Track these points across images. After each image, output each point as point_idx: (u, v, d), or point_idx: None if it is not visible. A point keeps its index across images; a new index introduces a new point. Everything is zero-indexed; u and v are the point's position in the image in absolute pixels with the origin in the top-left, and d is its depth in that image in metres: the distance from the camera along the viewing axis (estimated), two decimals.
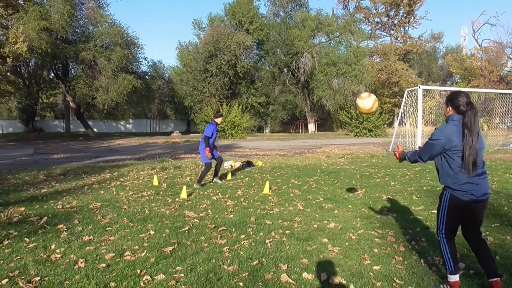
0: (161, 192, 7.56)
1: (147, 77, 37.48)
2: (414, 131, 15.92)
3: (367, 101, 4.93)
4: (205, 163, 8.43)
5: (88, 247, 4.30)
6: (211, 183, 8.57)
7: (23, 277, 3.52)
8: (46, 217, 5.47)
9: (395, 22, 51.15)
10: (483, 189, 3.17)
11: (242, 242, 4.47)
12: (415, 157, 3.45)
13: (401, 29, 51.54)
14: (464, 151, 3.09)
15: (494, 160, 12.55)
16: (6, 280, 3.44)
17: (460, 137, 3.12)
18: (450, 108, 3.31)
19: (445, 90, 23.77)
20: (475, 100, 23.11)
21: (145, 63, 53.74)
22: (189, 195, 7.17)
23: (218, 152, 8.89)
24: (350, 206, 6.30)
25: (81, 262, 3.82)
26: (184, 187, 7.24)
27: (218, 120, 8.65)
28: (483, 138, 3.28)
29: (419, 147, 3.55)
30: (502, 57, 46.33)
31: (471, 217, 3.27)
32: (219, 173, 9.01)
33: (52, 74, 36.07)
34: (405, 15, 49.74)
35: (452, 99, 3.31)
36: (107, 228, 5.05)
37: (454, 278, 3.24)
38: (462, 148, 3.10)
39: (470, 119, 3.12)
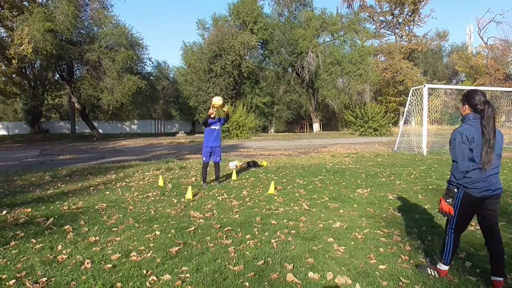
0: (167, 193, 7.58)
1: (151, 77, 37.51)
2: (420, 130, 15.84)
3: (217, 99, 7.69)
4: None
5: (94, 248, 4.33)
6: (217, 184, 8.58)
7: (30, 277, 3.54)
8: (52, 218, 5.50)
9: (399, 21, 50.96)
10: (495, 185, 3.19)
11: (247, 242, 4.47)
12: (454, 171, 3.19)
13: (406, 27, 51.35)
14: (482, 149, 3.08)
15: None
16: (14, 280, 3.46)
17: (479, 136, 3.10)
18: (466, 106, 3.28)
19: (450, 89, 23.75)
20: None
21: (150, 64, 54.14)
22: (194, 195, 7.18)
23: (218, 156, 8.25)
24: (355, 205, 6.28)
25: (88, 263, 3.83)
26: (190, 187, 7.25)
27: (214, 101, 7.79)
28: (501, 133, 3.27)
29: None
30: (508, 55, 45.97)
31: (486, 210, 3.27)
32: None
33: (57, 76, 36.29)
34: (409, 14, 49.55)
35: (468, 97, 3.27)
36: (113, 229, 5.07)
37: (445, 267, 3.43)
38: (481, 147, 3.08)
39: (488, 118, 3.10)
